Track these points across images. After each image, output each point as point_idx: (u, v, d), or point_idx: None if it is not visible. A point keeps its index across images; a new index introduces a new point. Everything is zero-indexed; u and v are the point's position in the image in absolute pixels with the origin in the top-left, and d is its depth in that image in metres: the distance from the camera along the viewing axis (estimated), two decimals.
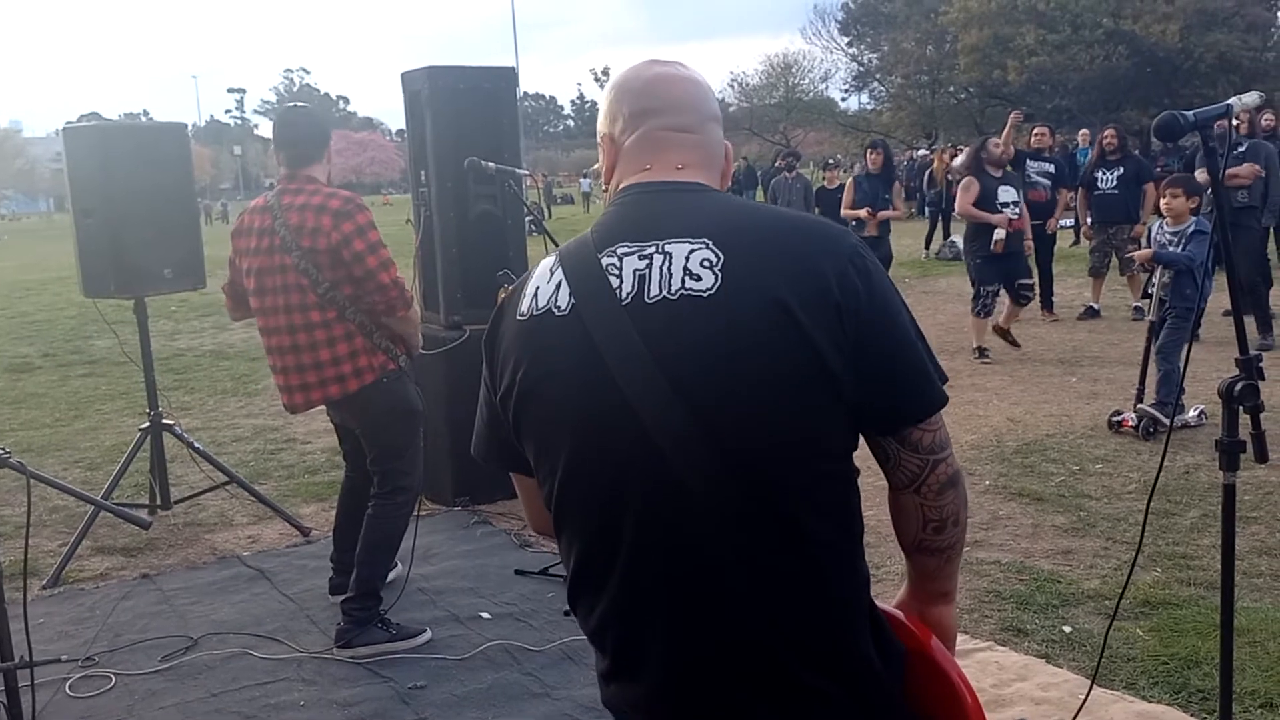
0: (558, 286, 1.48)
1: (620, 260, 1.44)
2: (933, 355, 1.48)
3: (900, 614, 1.61)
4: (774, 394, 1.37)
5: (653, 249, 1.43)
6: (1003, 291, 8.75)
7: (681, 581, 1.43)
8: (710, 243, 1.41)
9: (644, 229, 1.46)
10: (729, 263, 1.39)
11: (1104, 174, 10.00)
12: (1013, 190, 8.61)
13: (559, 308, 1.46)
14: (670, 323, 1.38)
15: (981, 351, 8.74)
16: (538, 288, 1.51)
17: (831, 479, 1.44)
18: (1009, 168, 9.08)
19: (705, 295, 1.38)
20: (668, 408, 1.37)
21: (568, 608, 4.08)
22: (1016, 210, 8.53)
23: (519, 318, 1.51)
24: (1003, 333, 8.79)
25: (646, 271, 1.42)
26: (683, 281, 1.39)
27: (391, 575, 4.31)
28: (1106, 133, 10.46)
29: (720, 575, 1.42)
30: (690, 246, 1.41)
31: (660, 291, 1.40)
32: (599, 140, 1.63)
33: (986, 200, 8.54)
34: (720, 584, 1.42)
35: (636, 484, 1.42)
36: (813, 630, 1.43)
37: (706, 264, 1.39)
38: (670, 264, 1.41)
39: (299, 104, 4.32)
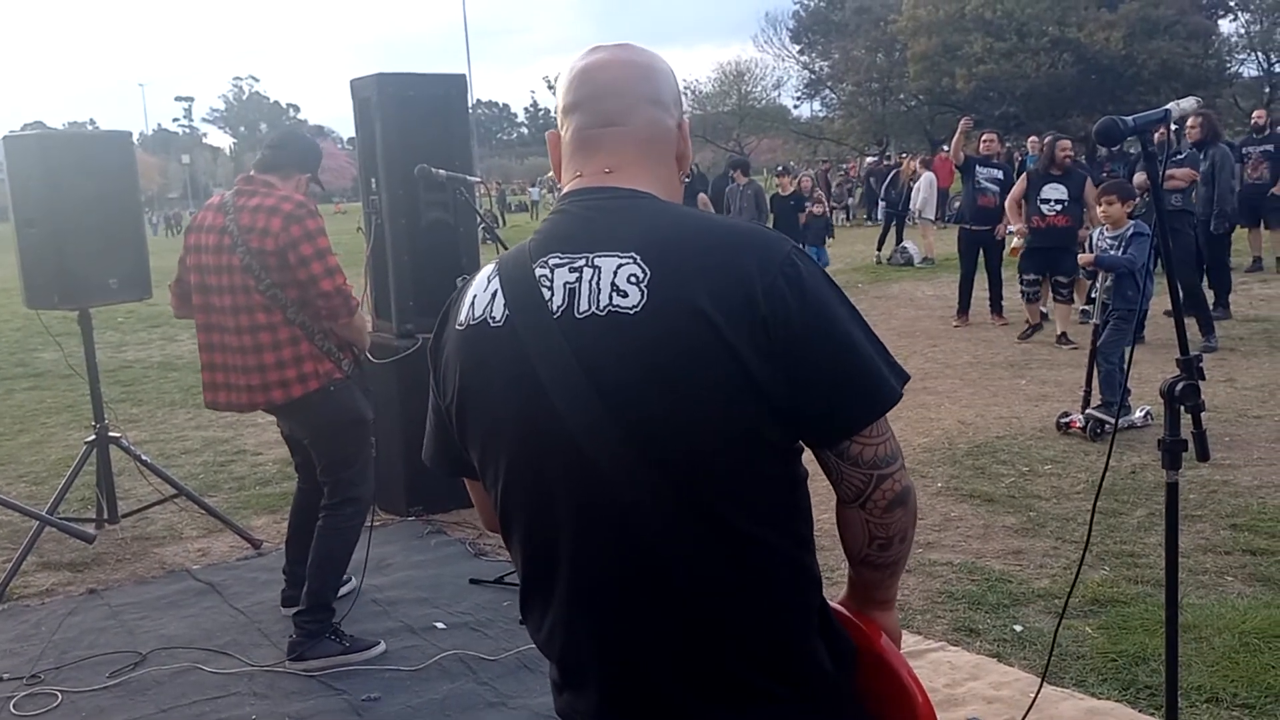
0: (493, 296, 1.48)
1: (552, 272, 1.44)
2: (885, 360, 1.44)
3: (847, 612, 1.61)
4: (703, 408, 1.36)
5: (582, 262, 1.43)
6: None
7: (624, 589, 1.44)
8: (638, 258, 1.40)
9: (574, 241, 1.45)
10: (655, 279, 1.38)
11: None
12: (1061, 189, 8.95)
13: (494, 318, 1.47)
14: (600, 339, 1.38)
15: (1035, 328, 9.55)
16: (475, 296, 1.51)
17: (773, 483, 1.44)
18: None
19: (632, 312, 1.37)
20: (599, 421, 1.38)
21: (522, 617, 4.08)
22: (1057, 207, 8.94)
23: (458, 327, 1.51)
24: (1058, 335, 9.26)
25: (576, 285, 1.41)
26: (610, 298, 1.39)
27: (345, 589, 4.27)
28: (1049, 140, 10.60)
29: (662, 582, 1.42)
30: (618, 261, 1.41)
31: (589, 307, 1.40)
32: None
33: (1030, 196, 9.08)
34: (663, 591, 1.42)
35: (572, 496, 1.43)
36: (759, 634, 1.43)
37: (633, 280, 1.39)
38: (599, 279, 1.40)
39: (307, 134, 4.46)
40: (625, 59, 1.53)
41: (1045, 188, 8.98)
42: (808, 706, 1.47)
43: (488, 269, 1.54)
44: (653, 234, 1.43)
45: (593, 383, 1.38)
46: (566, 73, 1.55)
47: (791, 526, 1.46)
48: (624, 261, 1.40)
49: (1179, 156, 9.17)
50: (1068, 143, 9.40)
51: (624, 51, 1.54)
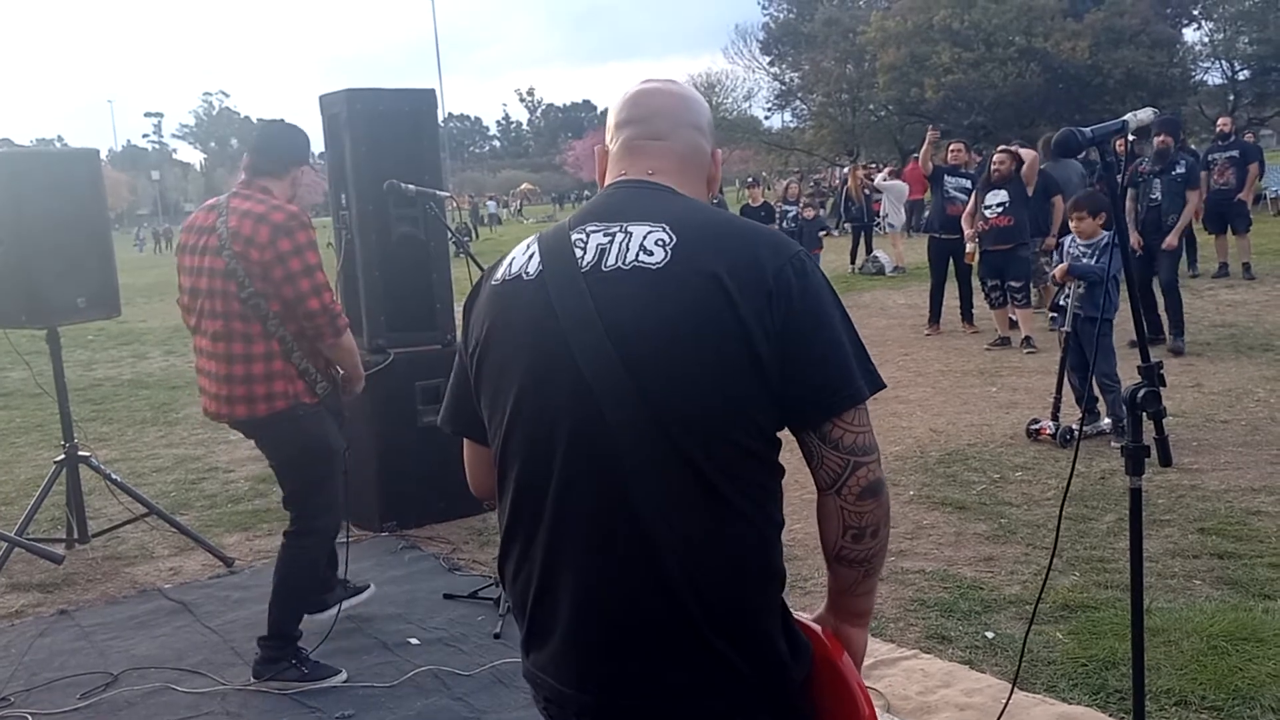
0: (530, 257, 1.64)
1: (587, 236, 1.59)
2: (866, 361, 1.56)
3: (816, 627, 1.66)
4: (703, 363, 1.48)
5: (617, 228, 1.58)
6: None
7: (602, 533, 1.51)
8: (667, 227, 1.56)
9: (612, 213, 1.61)
10: (680, 244, 1.53)
11: None
12: (1001, 194, 9.52)
13: (528, 274, 1.62)
14: (619, 288, 1.52)
15: (1003, 341, 9.72)
16: (513, 258, 1.67)
17: (754, 459, 1.52)
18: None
19: (654, 268, 1.52)
20: (605, 360, 1.49)
21: (497, 631, 4.08)
22: (999, 209, 9.49)
23: (493, 283, 1.67)
24: (1023, 339, 9.58)
25: (608, 245, 1.57)
26: (637, 255, 1.54)
27: (325, 613, 4.09)
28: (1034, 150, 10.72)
29: (639, 529, 1.49)
30: (649, 228, 1.56)
31: (616, 262, 1.55)
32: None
33: (978, 207, 9.72)
34: (639, 538, 1.49)
35: (567, 430, 1.51)
36: (725, 598, 1.50)
37: (660, 243, 1.54)
38: (630, 241, 1.56)
39: (287, 121, 4.07)
40: (673, 90, 1.75)
41: (988, 195, 9.61)
42: (761, 685, 1.53)
43: (529, 239, 1.69)
44: (683, 214, 1.59)
45: (607, 327, 1.50)
46: (620, 96, 1.75)
47: (765, 505, 1.56)
48: (654, 229, 1.56)
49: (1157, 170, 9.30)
50: (1001, 156, 9.94)
51: (671, 84, 1.76)
